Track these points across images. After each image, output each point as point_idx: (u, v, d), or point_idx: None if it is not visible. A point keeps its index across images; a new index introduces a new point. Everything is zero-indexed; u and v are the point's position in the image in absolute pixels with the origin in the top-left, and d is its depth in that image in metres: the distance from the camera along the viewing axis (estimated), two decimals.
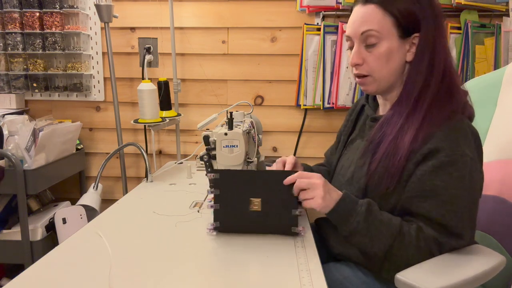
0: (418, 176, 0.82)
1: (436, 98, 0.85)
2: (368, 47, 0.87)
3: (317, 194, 0.83)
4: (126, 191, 1.83)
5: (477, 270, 0.75)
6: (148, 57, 1.78)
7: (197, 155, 1.11)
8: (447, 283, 0.71)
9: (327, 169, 1.18)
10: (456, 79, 0.89)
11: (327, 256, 0.96)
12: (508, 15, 1.55)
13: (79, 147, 1.84)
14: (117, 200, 1.20)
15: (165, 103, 1.67)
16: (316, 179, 0.84)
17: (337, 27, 1.71)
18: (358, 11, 0.87)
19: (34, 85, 1.82)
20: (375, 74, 0.89)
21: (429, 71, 0.86)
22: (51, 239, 1.58)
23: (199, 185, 1.36)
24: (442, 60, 0.86)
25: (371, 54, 0.87)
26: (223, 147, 1.04)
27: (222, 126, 1.15)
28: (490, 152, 1.10)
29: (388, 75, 0.88)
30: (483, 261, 0.78)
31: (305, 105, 1.78)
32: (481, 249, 0.83)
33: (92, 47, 1.83)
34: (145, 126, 1.83)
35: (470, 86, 1.19)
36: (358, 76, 0.91)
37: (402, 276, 0.73)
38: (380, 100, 0.99)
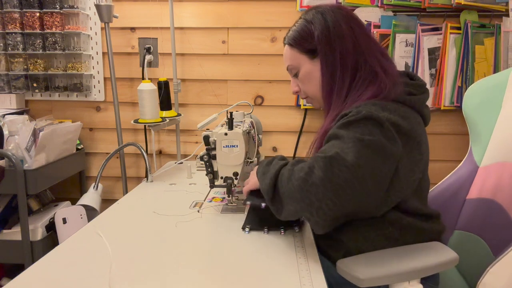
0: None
1: (351, 91, 0.94)
2: (295, 76, 1.06)
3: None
4: (126, 191, 1.83)
5: (416, 265, 0.79)
6: (148, 57, 1.78)
7: (197, 155, 1.11)
8: (379, 274, 0.76)
9: None
10: (377, 67, 0.94)
11: None
12: (508, 15, 1.55)
13: (79, 147, 1.84)
14: (117, 200, 1.20)
15: (165, 103, 1.67)
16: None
17: None
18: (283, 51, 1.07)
19: (34, 85, 1.82)
20: (309, 94, 1.05)
21: (334, 74, 0.96)
22: (51, 239, 1.58)
23: (199, 185, 1.36)
24: (349, 58, 0.95)
25: (299, 80, 1.05)
26: (223, 147, 1.04)
27: (222, 126, 1.15)
28: (492, 154, 1.10)
29: (318, 91, 1.01)
30: (429, 257, 0.82)
31: (305, 105, 1.78)
32: (436, 246, 0.86)
33: (92, 47, 1.83)
34: (145, 126, 1.84)
35: (475, 87, 1.19)
36: (303, 98, 1.10)
37: (342, 263, 0.80)
38: None
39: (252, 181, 1.00)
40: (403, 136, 0.83)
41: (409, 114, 0.88)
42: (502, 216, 1.02)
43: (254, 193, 1.03)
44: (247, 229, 0.97)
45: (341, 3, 1.66)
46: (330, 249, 0.93)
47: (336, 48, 0.95)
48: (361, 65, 0.94)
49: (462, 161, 1.20)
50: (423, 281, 0.82)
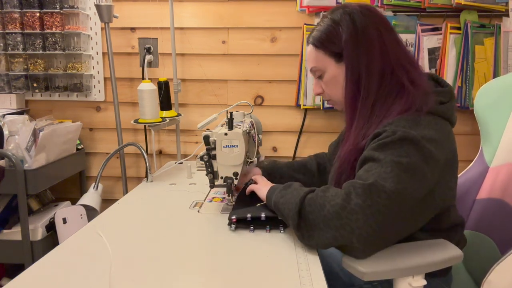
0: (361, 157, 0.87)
1: (377, 102, 0.91)
2: (319, 78, 1.01)
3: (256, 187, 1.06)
4: (126, 191, 1.83)
5: (419, 261, 0.80)
6: (148, 57, 1.78)
7: (197, 155, 1.11)
8: (382, 268, 0.77)
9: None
10: (404, 78, 0.90)
11: None
12: (507, 15, 1.55)
13: (79, 147, 1.84)
14: (117, 200, 1.20)
15: (165, 103, 1.67)
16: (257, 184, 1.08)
17: None
18: (306, 51, 1.02)
19: (35, 85, 1.82)
20: (333, 98, 1.01)
21: (358, 82, 0.92)
22: (51, 239, 1.58)
23: (199, 185, 1.36)
24: (376, 67, 0.90)
25: (323, 83, 1.00)
26: (223, 147, 1.04)
27: (222, 126, 1.15)
28: (503, 154, 1.09)
29: (342, 96, 0.96)
30: (433, 253, 0.82)
31: (305, 105, 1.78)
32: (441, 243, 0.87)
33: (92, 47, 1.83)
34: (145, 126, 1.84)
35: (487, 87, 1.19)
36: (326, 100, 1.06)
37: (346, 258, 0.79)
38: None
39: (261, 193, 1.02)
40: (439, 148, 0.83)
41: (440, 125, 0.87)
42: (510, 215, 1.01)
43: (241, 204, 1.05)
44: (233, 226, 0.97)
45: (341, 3, 1.66)
46: None
47: (362, 55, 0.90)
48: (387, 75, 0.90)
49: (473, 162, 1.19)
50: (435, 278, 0.81)
